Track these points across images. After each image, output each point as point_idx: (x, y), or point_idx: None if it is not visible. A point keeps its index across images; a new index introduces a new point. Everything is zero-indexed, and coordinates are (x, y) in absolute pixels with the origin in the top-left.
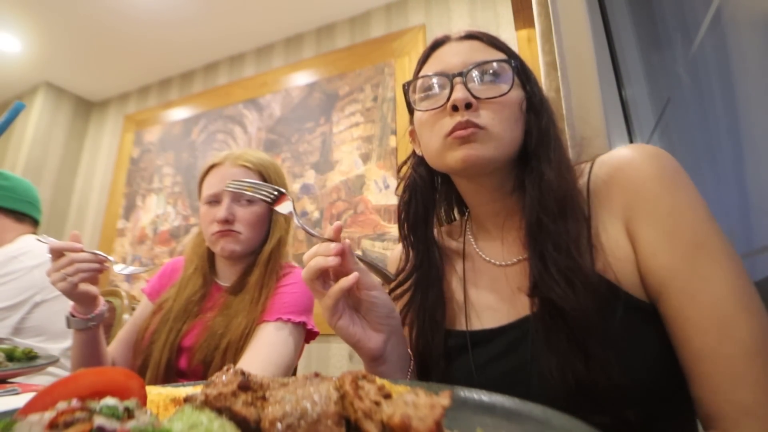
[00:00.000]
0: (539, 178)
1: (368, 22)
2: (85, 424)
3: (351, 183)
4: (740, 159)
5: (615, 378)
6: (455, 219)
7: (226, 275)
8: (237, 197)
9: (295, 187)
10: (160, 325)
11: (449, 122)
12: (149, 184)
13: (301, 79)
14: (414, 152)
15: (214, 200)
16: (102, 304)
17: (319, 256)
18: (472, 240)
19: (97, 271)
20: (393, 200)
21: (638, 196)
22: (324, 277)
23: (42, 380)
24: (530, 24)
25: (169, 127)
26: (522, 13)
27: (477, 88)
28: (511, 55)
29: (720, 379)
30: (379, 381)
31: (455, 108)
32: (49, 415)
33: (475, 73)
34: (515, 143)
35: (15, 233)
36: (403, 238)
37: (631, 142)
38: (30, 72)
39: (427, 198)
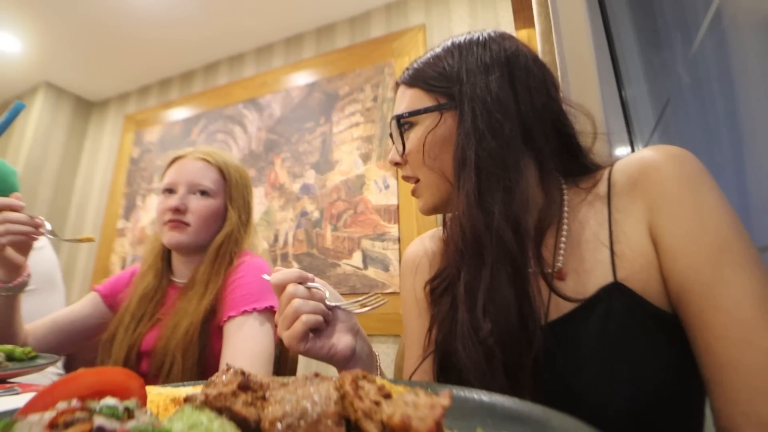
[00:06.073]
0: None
1: (368, 22)
2: (85, 424)
3: (351, 183)
4: (740, 159)
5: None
6: None
7: (183, 273)
8: (192, 188)
9: (295, 187)
10: (118, 326)
11: None
12: (149, 184)
13: (301, 79)
14: None
15: (171, 191)
16: (25, 275)
17: (312, 314)
18: None
19: (30, 236)
20: (393, 200)
21: (662, 197)
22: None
23: (42, 380)
24: (530, 24)
25: (169, 127)
26: (522, 13)
27: (401, 143)
28: (423, 78)
29: (738, 389)
30: (379, 381)
31: None
32: (49, 415)
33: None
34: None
35: None
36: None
37: (631, 142)
38: (30, 72)
39: None
